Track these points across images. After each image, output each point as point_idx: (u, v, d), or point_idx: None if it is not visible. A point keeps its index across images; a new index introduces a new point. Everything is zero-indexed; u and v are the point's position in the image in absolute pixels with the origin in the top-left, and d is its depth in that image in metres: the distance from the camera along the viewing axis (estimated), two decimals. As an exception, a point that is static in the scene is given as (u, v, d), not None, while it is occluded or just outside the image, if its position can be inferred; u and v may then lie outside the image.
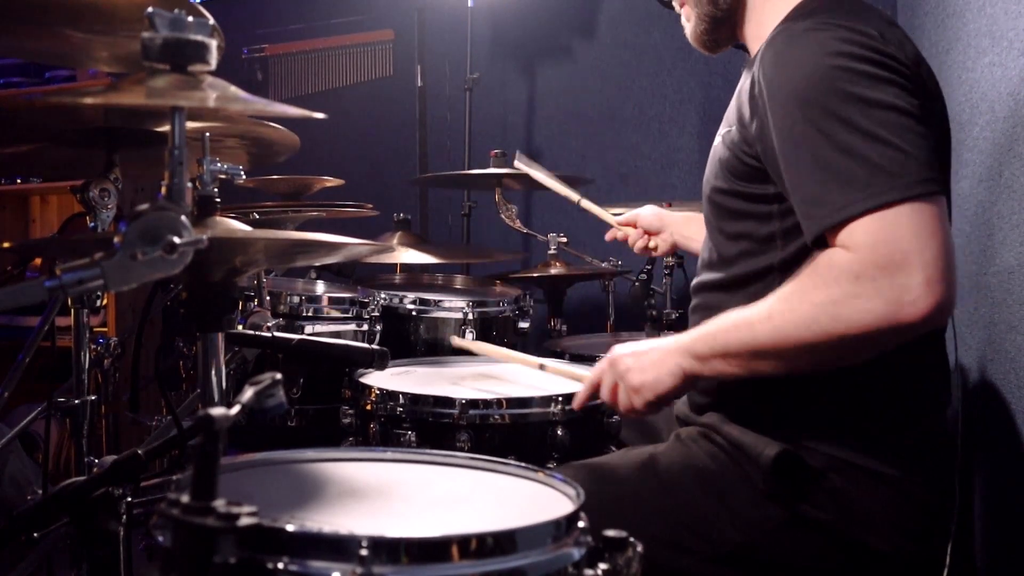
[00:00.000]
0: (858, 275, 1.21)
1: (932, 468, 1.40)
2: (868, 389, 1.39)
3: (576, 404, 1.60)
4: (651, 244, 2.24)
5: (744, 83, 1.49)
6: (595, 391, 1.53)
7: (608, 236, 2.32)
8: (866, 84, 1.27)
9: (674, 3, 1.67)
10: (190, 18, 1.02)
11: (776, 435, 1.40)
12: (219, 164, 1.23)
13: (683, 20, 1.66)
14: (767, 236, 1.43)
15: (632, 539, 0.98)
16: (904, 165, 1.23)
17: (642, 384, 1.42)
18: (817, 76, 1.29)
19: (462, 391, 1.78)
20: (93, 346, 2.08)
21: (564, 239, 2.83)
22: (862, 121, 1.25)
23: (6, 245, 3.67)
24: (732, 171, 1.46)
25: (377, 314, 2.29)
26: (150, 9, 1.01)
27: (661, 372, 1.41)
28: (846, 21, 1.33)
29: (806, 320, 1.25)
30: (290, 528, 0.89)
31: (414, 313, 2.37)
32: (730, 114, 1.53)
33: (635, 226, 2.25)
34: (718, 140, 1.53)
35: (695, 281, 1.61)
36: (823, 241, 1.29)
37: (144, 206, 0.92)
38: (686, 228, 2.17)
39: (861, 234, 1.23)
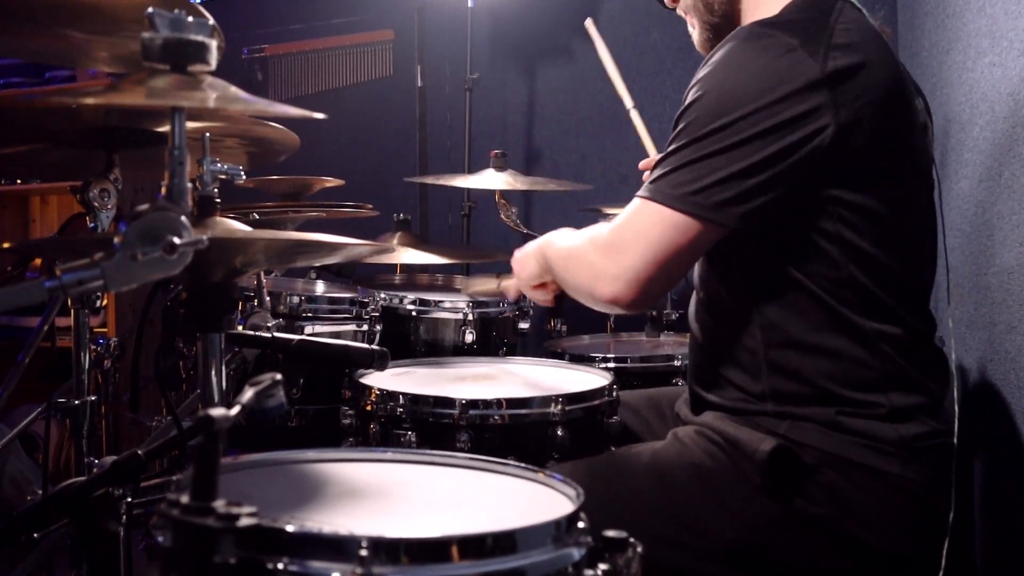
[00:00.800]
0: (594, 242, 1.50)
1: (928, 465, 1.40)
2: (864, 386, 1.40)
3: (511, 297, 1.99)
4: None
5: None
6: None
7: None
8: (756, 116, 1.35)
9: (679, 11, 1.70)
10: (190, 18, 1.02)
11: (772, 432, 1.41)
12: (219, 164, 1.23)
13: (689, 28, 1.70)
14: (762, 229, 1.44)
15: (632, 539, 0.98)
16: (710, 186, 1.36)
17: (520, 277, 1.81)
18: (722, 82, 1.42)
19: (462, 391, 1.78)
20: (93, 346, 2.08)
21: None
22: (718, 144, 1.37)
23: (6, 245, 3.67)
24: None
25: (377, 314, 2.29)
26: (150, 9, 1.01)
27: (526, 266, 1.78)
28: (776, 39, 1.38)
29: (563, 255, 1.63)
30: (290, 528, 0.89)
31: (414, 313, 2.37)
32: None
33: None
34: None
35: (696, 275, 1.63)
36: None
37: (144, 206, 0.92)
38: None
39: (633, 214, 1.44)
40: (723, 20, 1.61)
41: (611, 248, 1.44)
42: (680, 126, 1.44)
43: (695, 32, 1.68)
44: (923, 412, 1.42)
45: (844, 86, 1.35)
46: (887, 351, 1.40)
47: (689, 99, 1.44)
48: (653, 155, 2.32)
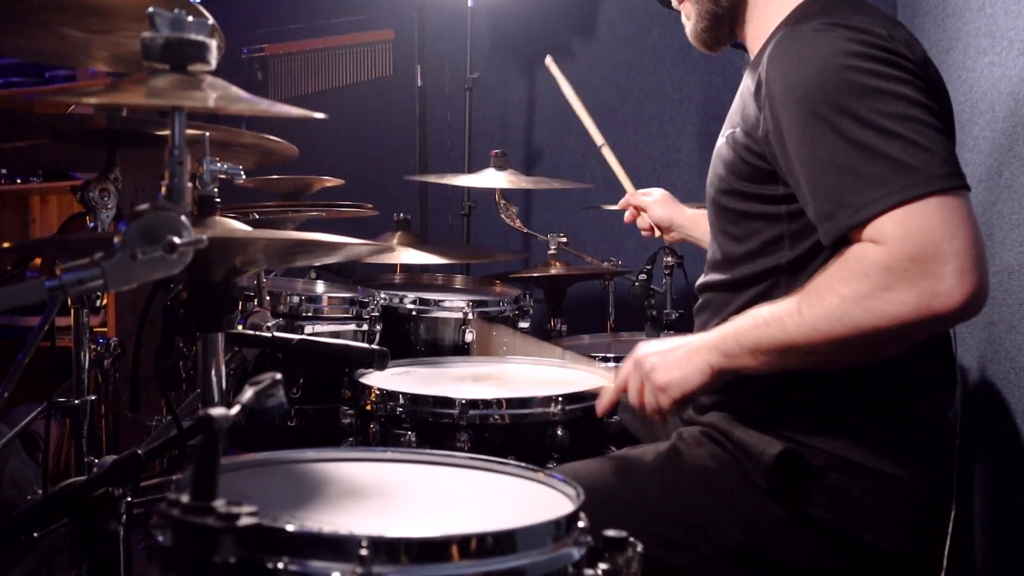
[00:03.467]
0: (888, 267, 1.20)
1: (934, 468, 1.40)
2: (871, 388, 1.39)
3: (600, 410, 1.57)
4: (657, 235, 2.25)
5: (747, 84, 1.49)
6: (621, 394, 1.50)
7: (625, 213, 2.29)
8: (879, 82, 1.27)
9: (673, 1, 1.67)
10: (190, 18, 1.02)
11: (778, 434, 1.40)
12: (219, 164, 1.23)
13: (683, 18, 1.66)
14: (774, 237, 1.42)
15: (632, 539, 0.98)
16: (925, 160, 1.23)
17: (669, 382, 1.40)
18: (828, 76, 1.29)
19: (462, 391, 1.78)
20: (93, 346, 2.08)
21: (564, 239, 2.83)
22: (877, 119, 1.25)
23: (6, 245, 3.67)
24: (737, 173, 1.46)
25: (377, 314, 2.29)
26: (150, 9, 1.01)
27: (688, 370, 1.38)
28: (853, 21, 1.33)
29: (836, 314, 1.24)
30: (290, 528, 0.89)
31: (414, 313, 2.37)
32: (733, 115, 1.52)
33: (644, 210, 2.24)
34: (721, 141, 1.53)
35: (700, 281, 1.61)
36: (844, 242, 1.28)
37: (144, 206, 0.92)
38: (695, 230, 2.17)
39: (891, 227, 1.22)
40: (727, 11, 1.58)
41: (922, 256, 1.19)
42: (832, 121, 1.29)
43: (689, 23, 1.64)
44: (930, 415, 1.42)
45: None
46: (907, 356, 1.35)
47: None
48: (629, 189, 2.26)
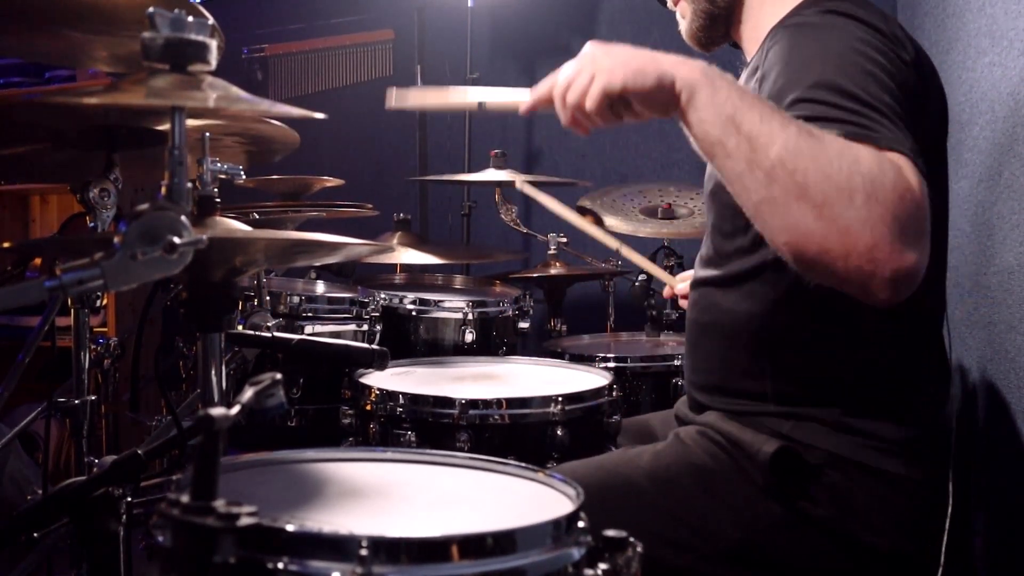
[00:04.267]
0: (910, 198, 1.08)
1: (931, 466, 1.40)
2: (867, 385, 1.40)
3: (523, 107, 1.36)
4: None
5: (746, 82, 1.49)
6: (551, 88, 1.28)
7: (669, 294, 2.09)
8: (873, 70, 1.24)
9: (668, 1, 1.67)
10: (190, 18, 1.02)
11: (775, 432, 1.40)
12: (219, 164, 1.23)
13: (679, 17, 1.66)
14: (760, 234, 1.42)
15: (632, 539, 0.98)
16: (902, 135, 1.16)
17: (613, 68, 1.17)
18: (828, 58, 1.27)
19: (462, 391, 1.78)
20: (93, 346, 2.08)
21: (564, 239, 2.83)
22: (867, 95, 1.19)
23: (6, 245, 3.67)
24: None
25: (377, 314, 2.29)
26: (151, 9, 1.01)
27: (649, 69, 1.17)
28: (857, 13, 1.34)
29: (828, 154, 1.09)
30: (290, 528, 0.89)
31: (414, 313, 2.37)
32: None
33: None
34: None
35: (693, 277, 1.61)
36: None
37: (144, 206, 0.92)
38: None
39: (908, 165, 1.11)
40: (723, 11, 1.57)
41: (924, 220, 1.10)
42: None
43: (685, 22, 1.63)
44: (926, 412, 1.42)
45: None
46: (892, 350, 1.39)
47: None
48: (670, 282, 1.93)
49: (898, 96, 1.25)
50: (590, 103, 1.21)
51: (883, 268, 1.08)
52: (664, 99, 1.18)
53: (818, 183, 1.08)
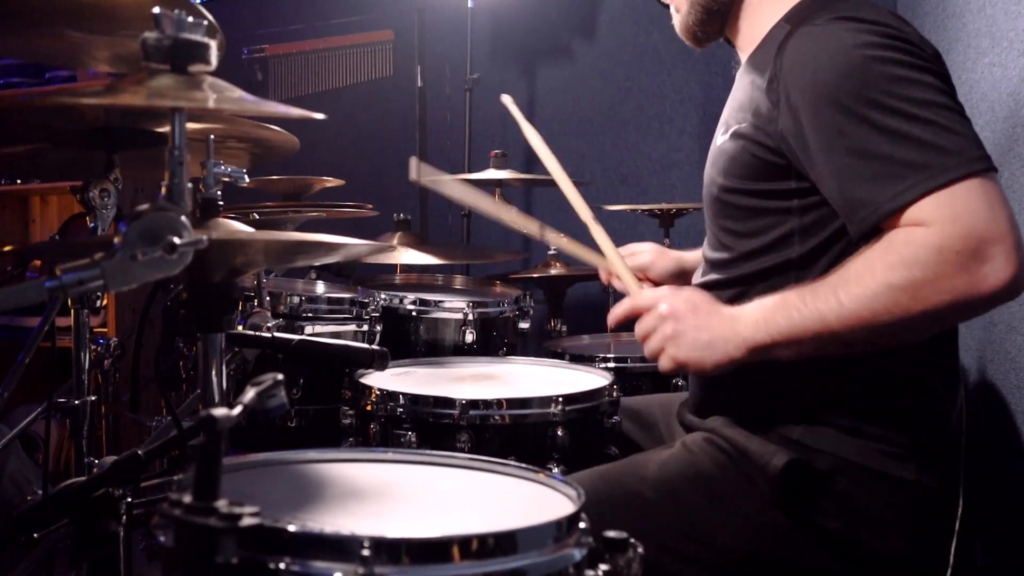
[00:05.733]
0: (941, 248, 1.19)
1: (940, 471, 1.39)
2: (880, 390, 1.38)
3: (611, 321, 1.54)
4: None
5: (751, 79, 1.47)
6: (634, 316, 1.46)
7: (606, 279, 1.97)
8: (902, 71, 1.27)
9: None
10: (190, 18, 1.02)
11: (783, 438, 1.39)
12: (223, 167, 1.23)
13: (673, 11, 1.64)
14: (785, 233, 1.41)
15: (632, 540, 0.98)
16: (960, 143, 1.23)
17: (679, 357, 1.38)
18: (853, 68, 1.29)
19: (462, 391, 1.78)
20: (93, 346, 2.08)
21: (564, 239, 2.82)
22: (906, 106, 1.25)
23: (7, 248, 3.67)
24: (745, 168, 1.44)
25: (377, 314, 2.29)
26: (156, 9, 1.01)
27: (707, 357, 1.36)
28: (868, 15, 1.34)
29: (882, 301, 1.22)
30: (292, 528, 0.89)
31: (414, 313, 2.37)
32: (734, 112, 1.51)
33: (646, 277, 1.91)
34: (723, 139, 1.51)
35: (699, 281, 1.59)
36: (875, 233, 1.27)
37: (144, 206, 0.92)
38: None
39: (936, 209, 1.21)
40: (722, 6, 1.56)
41: (973, 237, 1.19)
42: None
43: (680, 16, 1.61)
44: (936, 416, 1.41)
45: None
46: (903, 354, 1.36)
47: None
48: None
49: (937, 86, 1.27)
50: (658, 365, 1.42)
51: (979, 295, 1.20)
52: (724, 371, 1.37)
53: (881, 320, 1.24)
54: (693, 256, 1.87)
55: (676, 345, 1.38)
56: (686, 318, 1.38)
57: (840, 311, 1.25)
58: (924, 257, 1.20)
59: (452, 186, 1.70)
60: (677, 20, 1.63)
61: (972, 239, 1.19)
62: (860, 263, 1.26)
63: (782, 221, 1.41)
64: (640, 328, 1.44)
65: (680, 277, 1.87)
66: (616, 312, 1.50)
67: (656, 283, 1.88)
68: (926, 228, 1.21)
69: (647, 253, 1.93)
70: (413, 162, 1.62)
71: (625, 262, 1.64)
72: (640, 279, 1.74)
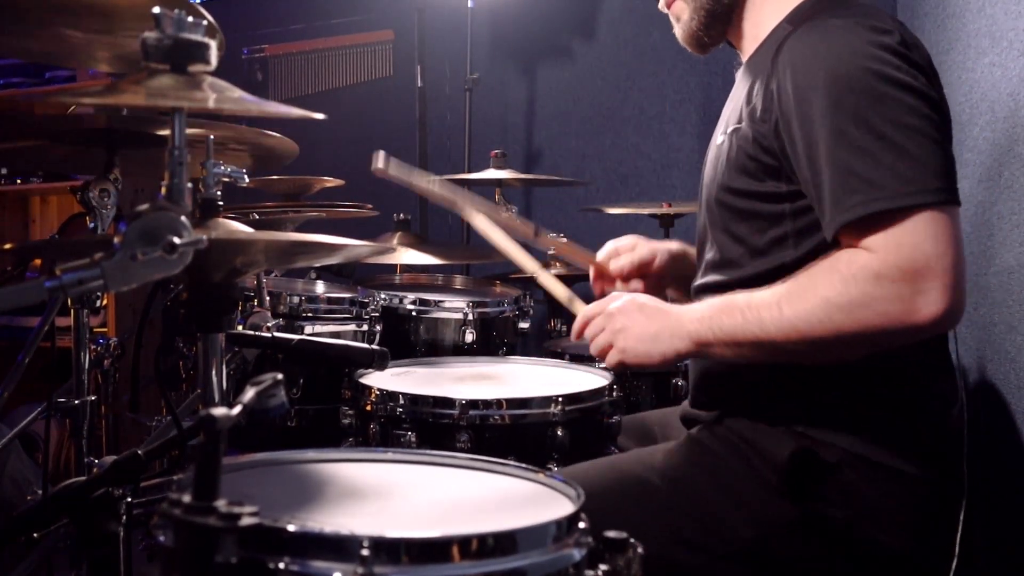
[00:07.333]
0: (878, 275, 1.24)
1: (944, 465, 1.40)
2: (880, 384, 1.39)
3: (573, 336, 1.58)
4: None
5: (750, 81, 1.47)
6: (586, 326, 1.53)
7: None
8: (886, 89, 1.29)
9: (660, 4, 1.64)
10: (190, 18, 1.02)
11: (790, 430, 1.40)
12: (223, 167, 1.23)
13: (673, 19, 1.64)
14: (779, 236, 1.42)
15: (632, 540, 0.98)
16: (919, 172, 1.26)
17: (627, 350, 1.45)
18: (839, 76, 1.30)
19: (462, 391, 1.78)
20: (93, 346, 2.08)
21: (564, 239, 2.83)
22: (879, 124, 1.27)
23: (7, 247, 3.67)
24: (742, 169, 1.44)
25: (377, 314, 2.29)
26: (156, 9, 1.01)
27: (653, 350, 1.43)
28: (871, 21, 1.34)
29: (818, 315, 1.27)
30: (291, 528, 0.89)
31: (414, 313, 2.37)
32: (733, 113, 1.51)
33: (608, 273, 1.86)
34: (721, 140, 1.51)
35: (698, 283, 1.59)
36: (837, 240, 1.30)
37: (144, 206, 0.92)
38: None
39: (881, 236, 1.25)
40: (725, 9, 1.56)
41: (911, 269, 1.22)
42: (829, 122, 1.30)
43: (681, 23, 1.60)
44: (938, 410, 1.41)
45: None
46: (907, 349, 1.36)
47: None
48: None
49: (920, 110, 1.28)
50: (606, 360, 1.49)
51: (911, 324, 1.24)
52: (669, 365, 1.51)
53: (816, 333, 1.29)
54: (677, 244, 1.84)
55: (624, 337, 1.45)
56: (633, 314, 1.45)
57: (780, 320, 1.30)
58: (862, 279, 1.24)
59: (420, 181, 1.75)
60: (679, 29, 1.63)
61: (909, 271, 1.23)
62: (805, 277, 1.31)
63: (775, 224, 1.42)
64: (590, 329, 1.51)
65: (681, 260, 1.80)
66: (575, 328, 1.56)
67: (660, 272, 1.81)
68: (870, 252, 1.25)
69: (643, 247, 1.82)
70: (380, 154, 1.67)
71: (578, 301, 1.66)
72: (645, 273, 1.79)
